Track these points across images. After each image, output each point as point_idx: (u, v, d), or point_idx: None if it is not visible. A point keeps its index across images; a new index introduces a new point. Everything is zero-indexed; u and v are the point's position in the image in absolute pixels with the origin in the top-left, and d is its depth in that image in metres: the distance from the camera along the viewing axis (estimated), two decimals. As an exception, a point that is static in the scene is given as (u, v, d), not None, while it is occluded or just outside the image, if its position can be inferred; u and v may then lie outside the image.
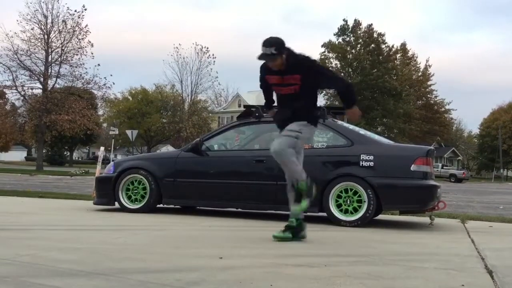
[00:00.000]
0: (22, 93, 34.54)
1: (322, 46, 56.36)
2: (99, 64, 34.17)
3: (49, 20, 34.13)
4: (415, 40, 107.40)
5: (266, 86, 4.84)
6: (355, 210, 5.99)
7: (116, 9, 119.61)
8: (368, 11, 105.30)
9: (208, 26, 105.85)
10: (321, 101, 52.14)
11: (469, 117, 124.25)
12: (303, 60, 4.56)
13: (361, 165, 6.05)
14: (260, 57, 4.47)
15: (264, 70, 4.71)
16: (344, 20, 56.65)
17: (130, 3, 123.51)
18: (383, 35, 55.75)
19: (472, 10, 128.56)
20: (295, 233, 4.55)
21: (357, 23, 55.90)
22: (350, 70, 55.59)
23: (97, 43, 51.87)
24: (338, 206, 6.04)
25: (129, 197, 6.92)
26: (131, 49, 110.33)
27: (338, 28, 56.42)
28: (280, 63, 4.46)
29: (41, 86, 34.36)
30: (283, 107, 4.72)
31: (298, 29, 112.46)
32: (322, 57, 55.79)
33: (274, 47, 4.38)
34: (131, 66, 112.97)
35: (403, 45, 58.41)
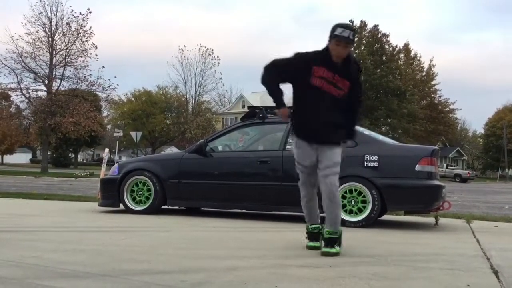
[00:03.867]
0: (27, 95, 34.67)
1: None
2: (103, 66, 34.27)
3: (54, 23, 34.24)
4: (423, 39, 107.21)
5: (288, 77, 4.05)
6: (360, 211, 5.98)
7: (120, 10, 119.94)
8: (379, 10, 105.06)
9: (211, 27, 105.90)
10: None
11: (474, 117, 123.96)
12: (358, 67, 4.12)
13: (365, 165, 6.04)
14: (340, 37, 3.84)
15: (315, 59, 3.97)
16: (350, 21, 56.47)
17: (135, 4, 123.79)
18: (388, 35, 55.75)
19: (482, 9, 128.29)
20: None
21: (363, 24, 55.82)
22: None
23: (101, 45, 52.12)
24: (343, 206, 6.03)
25: (133, 199, 6.94)
26: (136, 50, 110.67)
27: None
28: (346, 55, 3.96)
29: (45, 89, 34.45)
30: (322, 112, 3.99)
31: (308, 29, 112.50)
32: None
33: (353, 32, 3.90)
34: (135, 68, 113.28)
35: (406, 45, 58.32)
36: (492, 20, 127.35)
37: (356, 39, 4.12)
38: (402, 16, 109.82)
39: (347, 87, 3.98)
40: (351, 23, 55.53)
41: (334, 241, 3.94)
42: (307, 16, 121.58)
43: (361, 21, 56.06)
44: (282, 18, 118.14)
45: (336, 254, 3.87)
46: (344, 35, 3.84)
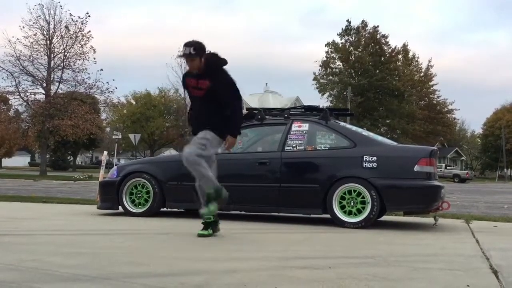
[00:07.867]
0: (25, 98, 34.65)
1: (325, 45, 56.44)
2: (101, 69, 34.30)
3: (52, 26, 34.27)
4: (426, 38, 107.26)
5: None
6: (359, 212, 5.97)
7: (119, 13, 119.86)
8: (384, 9, 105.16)
9: (210, 29, 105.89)
10: (323, 103, 52.07)
11: (472, 117, 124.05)
12: (214, 66, 4.78)
13: (364, 166, 6.04)
14: (180, 56, 4.81)
15: (186, 73, 5.03)
16: (347, 21, 56.58)
17: (134, 6, 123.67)
18: (387, 36, 55.87)
19: (487, 7, 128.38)
20: (213, 229, 4.95)
21: (364, 24, 55.90)
22: (352, 71, 55.58)
23: (100, 48, 52.06)
24: (342, 207, 6.03)
25: (132, 201, 6.93)
26: (135, 53, 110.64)
27: (341, 29, 56.54)
28: (197, 66, 4.75)
29: (43, 92, 34.46)
30: (194, 110, 5.03)
31: (313, 30, 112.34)
32: (327, 57, 56.00)
33: (193, 47, 4.66)
34: (135, 70, 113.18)
35: (404, 46, 58.41)
36: (496, 19, 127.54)
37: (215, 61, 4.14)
38: (408, 15, 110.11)
39: (206, 86, 4.76)
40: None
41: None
42: (312, 16, 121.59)
43: (362, 21, 56.26)
44: (286, 19, 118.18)
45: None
46: (185, 52, 4.66)
